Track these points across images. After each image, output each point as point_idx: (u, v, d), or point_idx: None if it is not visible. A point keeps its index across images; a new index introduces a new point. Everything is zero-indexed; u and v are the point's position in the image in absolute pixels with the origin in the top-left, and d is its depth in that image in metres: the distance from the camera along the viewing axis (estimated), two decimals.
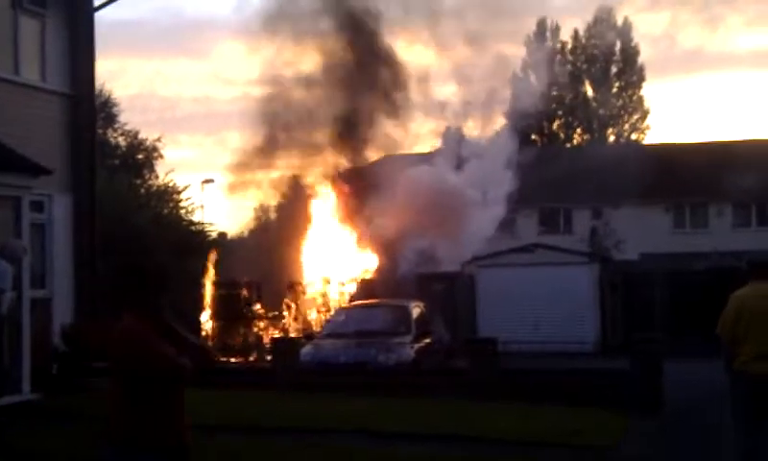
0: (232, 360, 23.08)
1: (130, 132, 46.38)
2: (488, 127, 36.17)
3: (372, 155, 32.85)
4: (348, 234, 30.11)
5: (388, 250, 28.96)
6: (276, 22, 30.11)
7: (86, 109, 18.53)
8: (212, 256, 25.78)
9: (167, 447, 5.29)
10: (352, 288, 27.31)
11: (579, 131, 63.78)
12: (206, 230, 36.07)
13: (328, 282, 27.63)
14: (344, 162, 31.57)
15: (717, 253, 32.95)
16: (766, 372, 8.58)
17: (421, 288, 24.35)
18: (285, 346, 18.50)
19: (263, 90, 30.84)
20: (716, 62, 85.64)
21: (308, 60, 31.02)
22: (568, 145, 60.73)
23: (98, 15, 18.73)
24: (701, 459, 11.62)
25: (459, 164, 32.79)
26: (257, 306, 25.77)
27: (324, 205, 30.81)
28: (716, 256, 31.03)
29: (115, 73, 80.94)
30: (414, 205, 28.67)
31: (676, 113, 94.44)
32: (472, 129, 36.45)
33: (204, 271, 25.47)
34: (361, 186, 30.12)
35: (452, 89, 35.06)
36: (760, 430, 8.67)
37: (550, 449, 11.61)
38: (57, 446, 11.55)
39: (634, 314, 26.02)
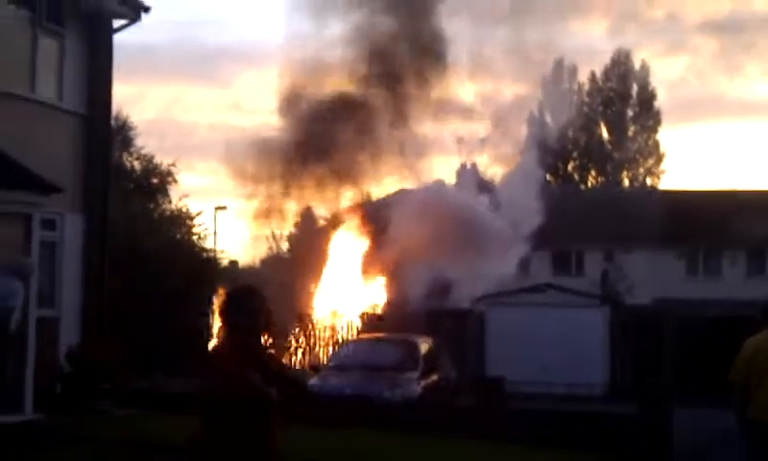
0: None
1: (145, 156, 46.46)
2: (504, 164, 36.27)
3: (386, 188, 32.89)
4: (359, 267, 30.06)
5: (399, 281, 28.88)
6: (298, 52, 30.27)
7: (102, 130, 18.54)
8: (221, 288, 25.75)
9: None
10: (361, 322, 27.20)
11: (593, 173, 63.68)
12: (218, 257, 36.01)
13: (337, 315, 27.54)
14: (357, 195, 31.57)
15: (731, 300, 32.71)
16: None
17: (431, 324, 24.21)
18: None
19: (280, 120, 30.89)
20: (733, 110, 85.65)
21: (325, 91, 31.12)
22: (582, 187, 60.63)
23: (118, 40, 18.80)
24: None
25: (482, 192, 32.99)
26: (265, 336, 25.64)
27: (337, 237, 30.79)
28: (730, 304, 30.80)
29: (133, 98, 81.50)
30: (436, 228, 28.59)
31: (691, 159, 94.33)
32: (487, 166, 36.51)
33: (212, 299, 25.40)
34: (376, 218, 30.11)
35: (467, 126, 35.13)
36: None
37: None
38: None
39: (644, 359, 25.79)
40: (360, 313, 27.62)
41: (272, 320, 5.53)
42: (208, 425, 5.20)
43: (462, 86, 33.78)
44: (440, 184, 33.29)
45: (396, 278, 29.36)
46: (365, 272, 30.24)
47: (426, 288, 29.34)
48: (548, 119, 57.38)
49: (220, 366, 5.23)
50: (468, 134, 35.31)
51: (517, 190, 33.81)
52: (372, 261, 29.77)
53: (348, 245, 30.23)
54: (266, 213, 31.36)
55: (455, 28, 32.30)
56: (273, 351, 5.52)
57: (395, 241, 29.20)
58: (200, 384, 5.38)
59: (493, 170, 38.65)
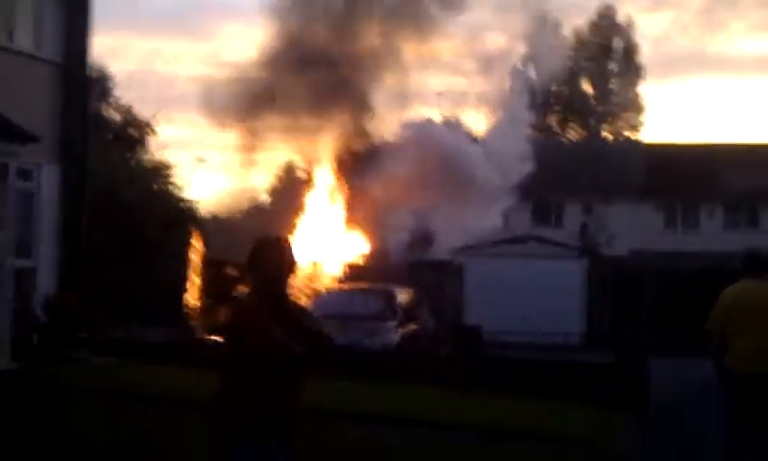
0: (217, 339, 22.95)
1: (124, 107, 46.05)
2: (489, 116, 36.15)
3: (368, 141, 32.66)
4: (340, 218, 30.01)
5: (380, 232, 28.85)
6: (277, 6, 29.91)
7: (80, 80, 18.35)
8: (197, 233, 25.63)
9: (276, 436, 5.05)
10: (342, 272, 27.22)
11: (575, 126, 63.64)
12: (196, 207, 35.86)
13: (318, 265, 27.50)
14: (341, 146, 31.39)
15: (708, 252, 32.93)
16: (755, 370, 8.45)
17: (411, 275, 24.26)
18: None
19: (260, 72, 30.58)
20: (714, 65, 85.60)
21: (306, 44, 30.80)
22: (564, 140, 60.60)
23: None
24: (684, 456, 11.53)
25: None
26: (245, 286, 25.61)
27: (319, 188, 30.68)
28: (707, 256, 31.02)
29: (114, 49, 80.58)
30: (422, 168, 28.41)
31: (672, 113, 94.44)
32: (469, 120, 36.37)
33: (190, 248, 25.29)
34: (358, 169, 29.99)
35: (449, 81, 34.97)
36: (747, 427, 8.56)
37: (531, 441, 11.50)
38: (28, 415, 11.41)
39: (621, 310, 25.98)
40: (340, 263, 27.63)
41: (296, 271, 5.31)
42: (233, 381, 5.07)
43: (444, 41, 33.51)
44: (428, 122, 32.92)
45: (377, 228, 29.34)
46: (346, 223, 30.19)
47: (408, 239, 29.36)
48: (532, 73, 57.14)
49: (245, 319, 5.07)
50: (450, 89, 35.14)
51: (506, 138, 33.63)
52: (354, 212, 29.70)
53: (329, 196, 30.14)
54: (245, 162, 31.18)
55: None
56: (299, 307, 5.26)
57: (377, 188, 29.09)
58: (224, 337, 5.23)
59: (479, 125, 38.50)
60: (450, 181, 29.36)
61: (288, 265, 5.18)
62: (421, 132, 31.45)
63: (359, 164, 30.42)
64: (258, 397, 4.99)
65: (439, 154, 30.04)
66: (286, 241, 5.27)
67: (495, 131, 34.95)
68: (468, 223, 30.07)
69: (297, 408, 5.17)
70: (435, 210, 30.17)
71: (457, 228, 29.70)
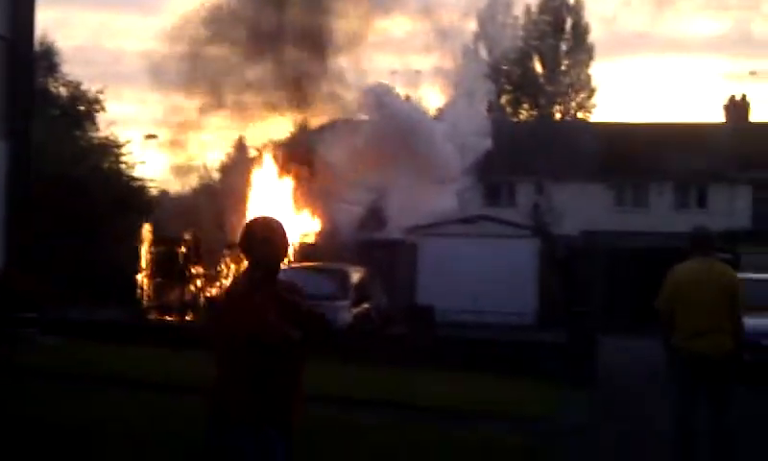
0: (168, 319, 22.78)
1: (71, 82, 45.40)
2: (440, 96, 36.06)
3: (316, 120, 32.48)
4: (292, 196, 29.85)
5: (332, 211, 28.73)
6: None
7: (24, 54, 18.03)
8: (147, 212, 25.43)
9: (272, 422, 4.92)
10: (293, 251, 27.10)
11: (526, 106, 63.91)
12: (147, 185, 35.53)
13: None
14: (288, 125, 31.23)
15: (658, 232, 33.30)
16: (702, 348, 8.52)
17: (363, 254, 24.21)
18: None
19: (205, 48, 30.22)
20: (663, 46, 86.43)
21: (254, 19, 30.52)
22: (515, 120, 60.84)
23: None
24: (633, 428, 11.67)
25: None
26: (196, 265, 25.42)
27: (269, 166, 30.48)
28: (657, 236, 31.36)
29: (60, 23, 79.29)
30: (378, 137, 28.19)
31: (622, 93, 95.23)
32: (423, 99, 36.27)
33: (141, 227, 25.07)
34: (308, 147, 29.83)
35: (402, 60, 34.77)
36: (695, 403, 8.64)
37: (484, 418, 11.55)
38: None
39: (573, 289, 26.18)
40: (292, 242, 27.51)
41: (287, 254, 5.18)
42: (227, 367, 4.94)
43: (395, 20, 33.40)
44: (387, 88, 32.50)
45: (328, 206, 29.23)
46: (297, 201, 30.04)
47: (360, 218, 29.28)
48: (483, 53, 57.22)
49: (238, 304, 4.93)
50: (403, 68, 35.02)
51: (462, 114, 33.45)
52: (305, 190, 29.55)
53: (280, 174, 29.96)
54: (194, 139, 30.87)
55: None
56: (292, 287, 5.04)
57: (330, 164, 28.93)
58: (217, 323, 5.09)
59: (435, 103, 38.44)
60: (407, 153, 29.23)
61: (283, 248, 5.07)
62: (380, 97, 31.15)
63: (311, 141, 30.27)
64: (253, 382, 4.86)
65: (397, 123, 29.83)
66: (280, 224, 5.15)
67: (452, 107, 34.81)
68: (424, 202, 30.04)
69: (296, 394, 5.04)
70: (390, 187, 30.07)
71: (411, 207, 29.67)
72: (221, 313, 5.07)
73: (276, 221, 5.20)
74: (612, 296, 25.35)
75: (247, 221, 5.24)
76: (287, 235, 5.11)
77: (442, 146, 31.44)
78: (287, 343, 4.88)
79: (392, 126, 29.42)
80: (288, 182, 29.76)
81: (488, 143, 33.69)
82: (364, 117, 31.00)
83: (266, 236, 5.02)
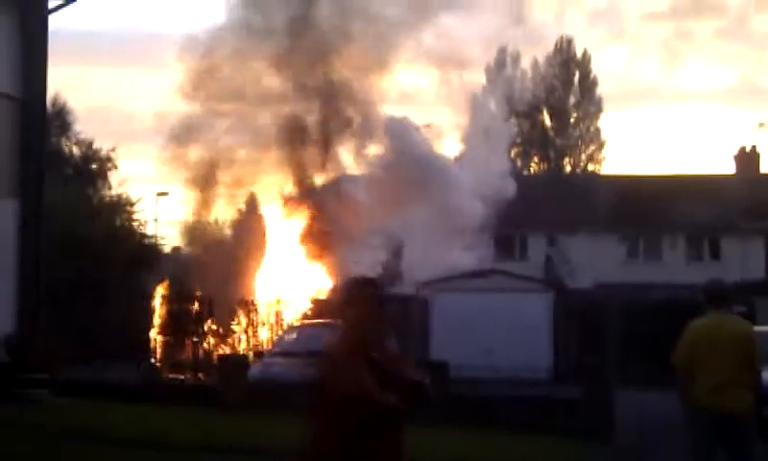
0: (179, 377, 22.67)
1: (84, 141, 45.75)
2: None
3: (326, 175, 32.49)
4: (305, 251, 29.81)
5: (346, 265, 28.64)
6: (228, 39, 29.78)
7: (37, 114, 18.09)
8: (159, 270, 25.45)
9: None
10: (306, 307, 27.00)
11: (536, 159, 64.04)
12: (159, 243, 35.58)
13: (281, 301, 27.28)
14: (299, 181, 31.24)
15: (671, 284, 33.08)
16: (722, 404, 8.37)
17: None
18: (233, 363, 18.15)
19: (218, 105, 30.41)
20: (673, 97, 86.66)
21: (263, 78, 30.71)
22: (525, 173, 60.93)
23: (57, 25, 18.44)
24: None
25: None
26: (208, 322, 25.37)
27: (281, 222, 30.50)
28: (670, 288, 31.14)
29: (73, 83, 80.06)
30: (401, 179, 27.88)
31: (632, 145, 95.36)
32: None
33: (153, 285, 25.06)
34: (321, 202, 29.79)
35: (408, 112, 34.70)
36: (714, 459, 8.47)
37: None
38: None
39: (588, 343, 25.97)
40: (305, 298, 27.43)
41: (385, 313, 4.97)
42: (323, 433, 4.75)
43: (404, 73, 33.48)
44: (407, 122, 32.02)
45: (342, 261, 29.15)
46: (310, 256, 30.00)
47: (378, 272, 29.14)
48: (492, 106, 57.47)
49: (334, 368, 4.77)
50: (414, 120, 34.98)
51: (481, 159, 33.07)
52: (318, 244, 29.50)
53: (292, 229, 29.95)
54: (206, 196, 30.91)
55: (400, 15, 31.93)
56: (392, 348, 4.81)
57: (343, 217, 28.82)
58: (315, 384, 4.89)
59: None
60: (425, 194, 28.93)
61: (378, 308, 4.89)
62: (401, 127, 30.91)
63: (323, 196, 30.22)
64: (351, 448, 4.68)
65: (416, 155, 29.54)
66: (375, 281, 5.02)
67: (469, 153, 34.52)
68: (441, 256, 29.83)
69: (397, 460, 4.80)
70: (406, 239, 29.88)
71: (427, 261, 29.50)
72: (321, 377, 4.87)
73: (375, 280, 5.06)
74: (626, 349, 25.11)
75: (345, 281, 5.11)
76: (380, 292, 4.94)
77: (461, 190, 31.14)
78: (384, 409, 4.65)
79: (411, 159, 29.13)
80: (301, 239, 29.75)
81: (512, 186, 33.24)
82: (382, 150, 30.62)
83: (364, 296, 4.84)
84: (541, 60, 64.12)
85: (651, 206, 42.47)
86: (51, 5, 18.14)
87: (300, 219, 30.14)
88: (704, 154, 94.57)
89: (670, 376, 8.88)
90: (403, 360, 4.93)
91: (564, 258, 40.99)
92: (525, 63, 63.76)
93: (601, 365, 17.06)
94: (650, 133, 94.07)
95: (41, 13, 17.99)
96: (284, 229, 30.19)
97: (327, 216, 29.30)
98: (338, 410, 4.69)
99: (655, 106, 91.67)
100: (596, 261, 40.65)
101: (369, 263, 29.13)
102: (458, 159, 35.91)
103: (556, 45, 63.77)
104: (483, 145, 34.29)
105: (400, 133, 30.61)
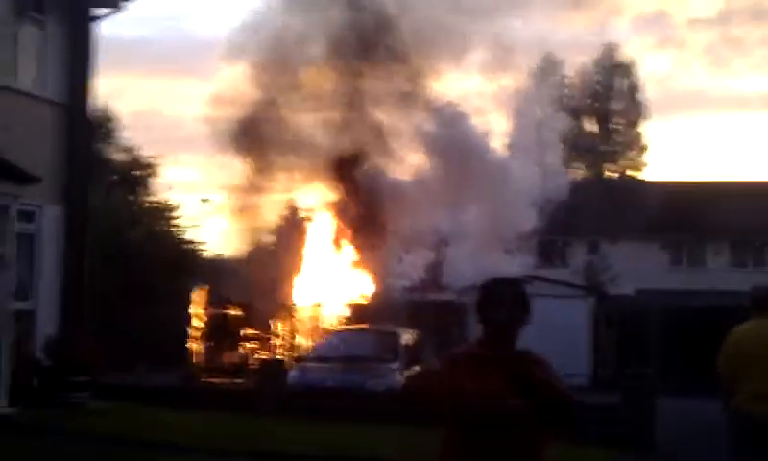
0: (220, 381, 22.82)
1: (129, 148, 46.21)
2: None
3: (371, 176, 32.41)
4: (344, 258, 29.86)
5: (385, 271, 28.61)
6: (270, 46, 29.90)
7: (83, 121, 18.32)
8: (201, 275, 25.64)
9: None
10: (345, 312, 27.06)
11: (578, 165, 63.70)
12: (201, 249, 35.84)
13: (320, 306, 27.36)
14: (341, 185, 31.26)
15: (714, 291, 32.74)
16: (763, 413, 8.25)
17: (415, 315, 24.09)
18: (272, 368, 18.25)
19: (259, 112, 30.54)
20: (718, 103, 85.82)
21: (306, 84, 30.80)
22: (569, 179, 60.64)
23: (104, 33, 18.65)
24: None
25: None
26: (248, 328, 25.52)
27: (322, 228, 30.56)
28: (713, 295, 30.81)
29: (119, 90, 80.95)
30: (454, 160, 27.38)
31: (676, 151, 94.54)
32: None
33: (194, 290, 25.25)
34: (362, 204, 29.71)
35: None
36: None
37: None
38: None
39: (628, 349, 25.77)
40: (344, 304, 27.48)
41: (528, 319, 4.69)
42: (452, 442, 4.56)
43: (448, 80, 33.36)
44: (458, 110, 31.53)
45: (381, 267, 29.15)
46: (351, 262, 30.03)
47: (418, 279, 29.06)
48: (536, 112, 57.25)
49: (456, 370, 4.53)
50: None
51: (534, 156, 32.53)
52: (360, 250, 29.51)
53: (333, 235, 30.01)
54: (249, 202, 31.04)
55: (444, 20, 31.85)
56: (534, 357, 4.43)
57: (387, 220, 28.67)
58: (447, 389, 4.60)
59: None
60: (476, 186, 28.37)
61: (523, 311, 4.64)
62: (453, 112, 30.52)
63: (368, 200, 30.09)
64: (474, 455, 4.43)
65: (468, 145, 29.05)
66: (518, 282, 4.77)
67: (519, 160, 34.07)
68: (482, 260, 29.57)
69: None
70: (452, 243, 29.62)
71: (470, 265, 29.26)
72: (441, 376, 4.66)
73: (516, 280, 4.84)
74: (667, 356, 24.88)
75: (484, 280, 4.80)
76: (527, 297, 4.68)
77: (517, 193, 30.56)
78: (506, 415, 4.36)
79: (463, 149, 28.69)
80: (342, 243, 29.80)
81: (565, 185, 32.56)
82: (433, 133, 30.25)
83: (501, 297, 4.60)
84: (587, 65, 63.83)
85: (695, 213, 42.10)
86: (98, 13, 18.35)
87: (342, 222, 30.19)
88: (748, 160, 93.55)
89: (713, 383, 8.79)
90: (546, 367, 4.67)
91: (606, 265, 40.72)
92: (570, 70, 63.53)
93: (642, 372, 16.91)
94: (695, 140, 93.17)
95: (87, 21, 18.22)
96: (326, 232, 30.27)
97: (371, 215, 29.26)
98: (462, 416, 4.48)
99: (700, 112, 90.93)
100: (638, 268, 40.37)
101: (413, 266, 29.07)
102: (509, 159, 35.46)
103: (601, 51, 63.50)
104: (533, 147, 33.75)
105: (453, 120, 30.04)
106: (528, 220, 30.57)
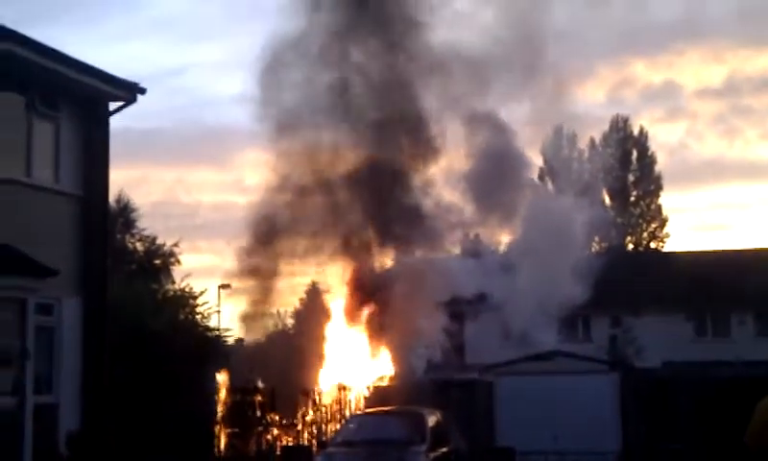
0: None
1: (147, 237, 46.43)
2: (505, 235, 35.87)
3: (385, 260, 32.47)
4: (364, 340, 29.75)
5: (406, 352, 28.48)
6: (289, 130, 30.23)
7: (99, 212, 18.43)
8: (224, 362, 25.52)
9: None
10: (367, 395, 26.84)
11: (596, 239, 63.53)
12: (223, 335, 35.69)
13: (344, 389, 27.16)
14: (359, 267, 31.28)
15: (740, 362, 32.32)
16: None
17: (439, 395, 23.86)
18: (296, 454, 18.03)
19: (276, 196, 30.76)
20: (733, 172, 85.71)
21: (324, 168, 31.03)
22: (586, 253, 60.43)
23: (121, 125, 18.90)
24: None
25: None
26: (271, 413, 25.30)
27: (342, 311, 30.52)
28: (740, 365, 30.40)
29: (137, 181, 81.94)
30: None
31: (695, 222, 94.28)
32: (489, 236, 36.18)
33: (216, 377, 25.12)
34: (379, 288, 29.74)
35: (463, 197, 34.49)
36: None
37: None
38: None
39: (656, 424, 25.33)
40: (367, 386, 27.27)
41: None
42: None
43: (458, 156, 33.54)
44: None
45: (402, 348, 28.98)
46: (371, 344, 29.90)
47: (437, 357, 28.91)
48: (549, 186, 57.44)
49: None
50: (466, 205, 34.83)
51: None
52: (378, 333, 29.41)
53: (352, 318, 29.92)
54: (268, 287, 31.05)
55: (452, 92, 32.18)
56: None
57: (404, 304, 28.71)
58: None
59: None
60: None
61: None
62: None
63: (379, 283, 30.15)
64: None
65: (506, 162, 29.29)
66: None
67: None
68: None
69: None
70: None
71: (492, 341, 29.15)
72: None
73: None
74: (699, 428, 24.45)
75: None
76: None
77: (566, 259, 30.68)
78: None
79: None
80: (361, 326, 29.71)
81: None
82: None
83: None
84: (598, 139, 64.04)
85: (717, 283, 41.78)
86: (111, 107, 18.56)
87: (362, 305, 30.13)
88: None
89: (743, 454, 8.60)
90: None
91: (631, 337, 40.34)
92: (582, 144, 63.74)
93: (671, 448, 16.60)
94: (712, 210, 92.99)
95: (103, 115, 18.43)
96: (346, 315, 30.21)
97: (390, 300, 29.22)
98: None
99: (715, 181, 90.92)
100: (664, 340, 39.94)
101: (431, 346, 28.94)
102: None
103: (612, 124, 63.75)
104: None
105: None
106: (575, 291, 30.73)
